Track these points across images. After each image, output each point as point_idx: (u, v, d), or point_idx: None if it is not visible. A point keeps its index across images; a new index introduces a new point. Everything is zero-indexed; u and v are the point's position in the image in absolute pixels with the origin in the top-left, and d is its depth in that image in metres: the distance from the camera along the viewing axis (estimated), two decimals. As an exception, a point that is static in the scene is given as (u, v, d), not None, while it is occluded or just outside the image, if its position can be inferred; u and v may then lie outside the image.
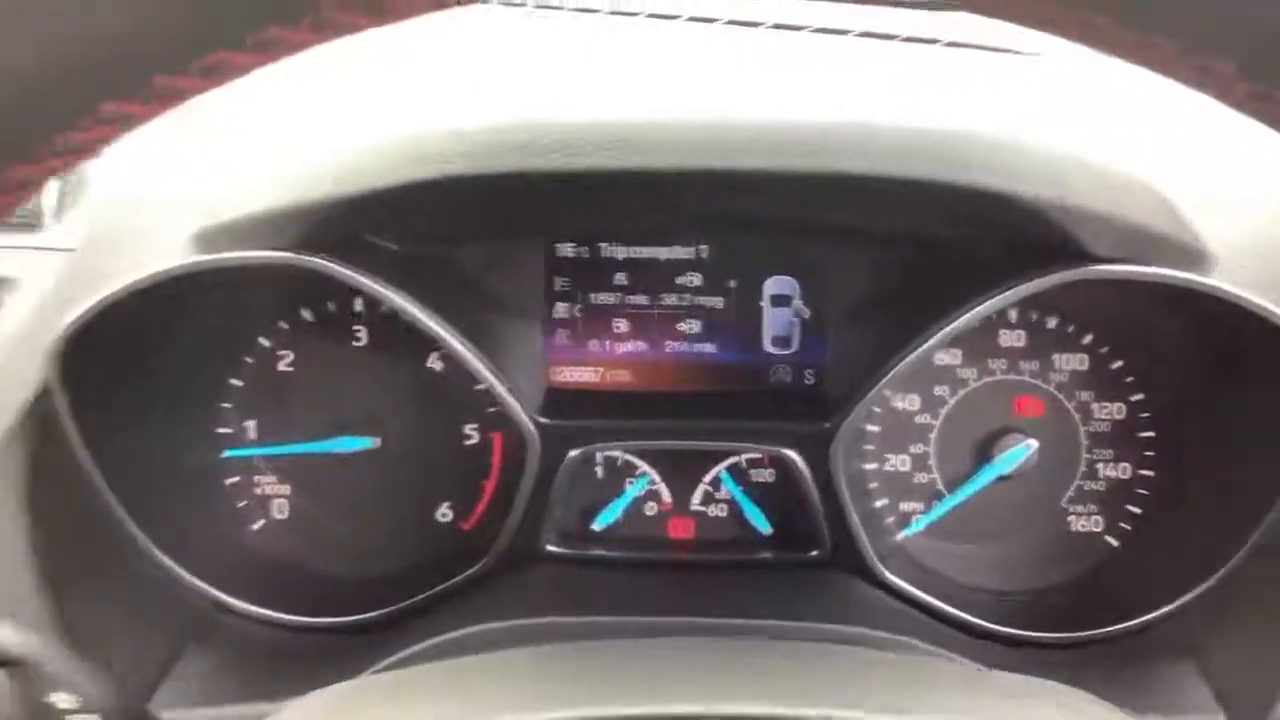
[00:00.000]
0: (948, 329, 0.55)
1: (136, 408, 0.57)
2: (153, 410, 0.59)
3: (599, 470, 0.64)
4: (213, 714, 0.52)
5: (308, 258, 0.52)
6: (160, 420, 0.59)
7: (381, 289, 0.54)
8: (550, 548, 0.63)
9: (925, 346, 0.56)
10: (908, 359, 0.56)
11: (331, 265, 0.53)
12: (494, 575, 0.62)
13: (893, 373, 0.57)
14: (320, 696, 0.38)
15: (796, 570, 0.63)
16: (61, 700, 0.38)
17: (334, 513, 0.65)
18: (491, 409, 0.64)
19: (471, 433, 0.65)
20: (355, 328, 0.64)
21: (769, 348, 0.63)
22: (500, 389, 0.58)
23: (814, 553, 0.62)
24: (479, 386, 0.63)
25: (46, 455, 0.52)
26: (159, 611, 0.57)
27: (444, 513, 0.66)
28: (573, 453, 0.61)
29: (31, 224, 0.57)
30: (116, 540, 0.56)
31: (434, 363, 0.65)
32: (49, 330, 0.52)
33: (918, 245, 0.60)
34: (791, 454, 0.60)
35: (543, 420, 0.60)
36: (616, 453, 0.64)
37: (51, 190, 0.58)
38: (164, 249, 0.56)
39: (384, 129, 0.52)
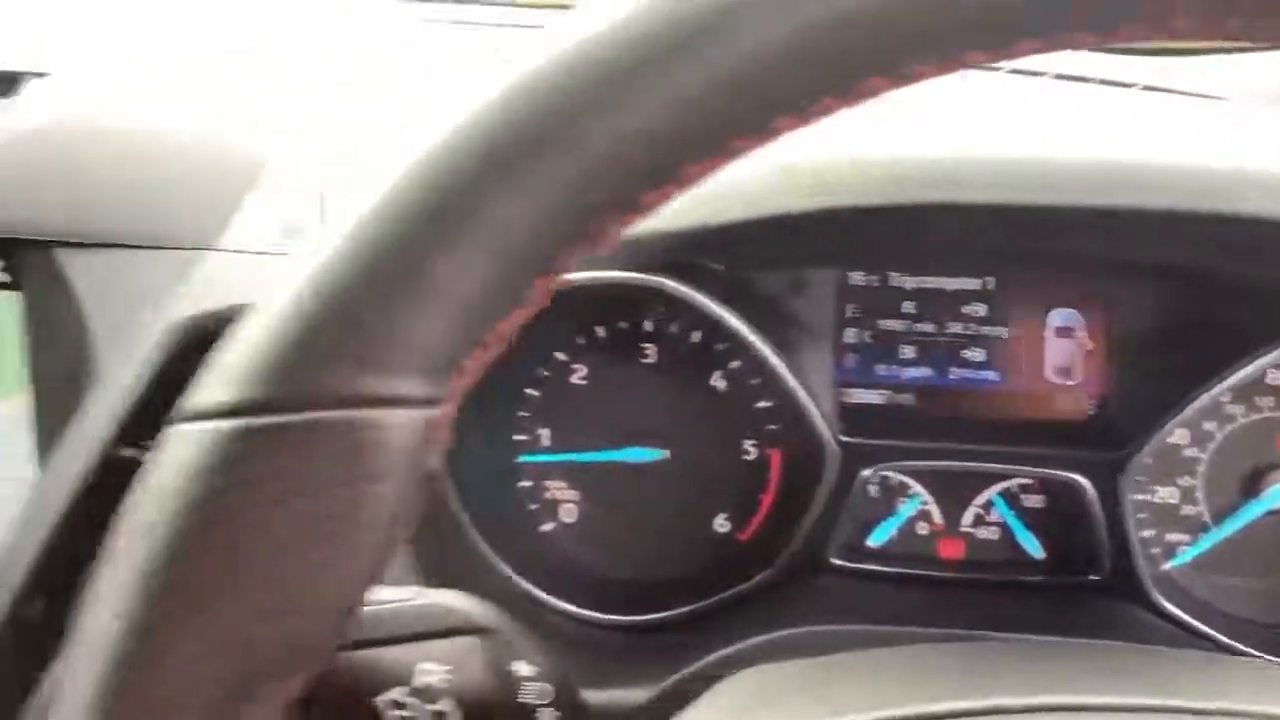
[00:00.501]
0: (1247, 369, 0.59)
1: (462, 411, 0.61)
2: (468, 414, 0.63)
3: (873, 489, 0.68)
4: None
5: (672, 282, 0.57)
6: (473, 423, 0.64)
7: (725, 314, 0.59)
8: (835, 560, 0.66)
9: (1223, 385, 0.59)
10: (1207, 394, 0.60)
11: (691, 292, 0.58)
12: (779, 584, 0.66)
13: (1191, 407, 0.60)
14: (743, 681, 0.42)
15: (1068, 593, 0.66)
16: (522, 668, 0.42)
17: (618, 518, 0.69)
18: (771, 426, 0.68)
19: (750, 449, 0.69)
20: (644, 345, 0.68)
21: (1051, 377, 0.67)
22: (810, 407, 0.62)
23: (1091, 577, 0.65)
24: (760, 404, 0.67)
25: None
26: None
27: (721, 523, 0.70)
28: (865, 470, 0.65)
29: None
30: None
31: (717, 381, 0.68)
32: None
33: (1202, 280, 0.64)
34: (1080, 479, 0.63)
35: (843, 438, 0.64)
36: (891, 472, 0.67)
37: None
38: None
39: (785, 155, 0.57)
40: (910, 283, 0.66)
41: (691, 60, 0.26)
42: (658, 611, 0.67)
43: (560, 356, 0.68)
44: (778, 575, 0.66)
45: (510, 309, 0.29)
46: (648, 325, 0.67)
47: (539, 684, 0.42)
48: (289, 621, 0.28)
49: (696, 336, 0.67)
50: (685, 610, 0.67)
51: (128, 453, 0.52)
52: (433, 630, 0.41)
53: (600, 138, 0.27)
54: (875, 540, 0.68)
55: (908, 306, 0.66)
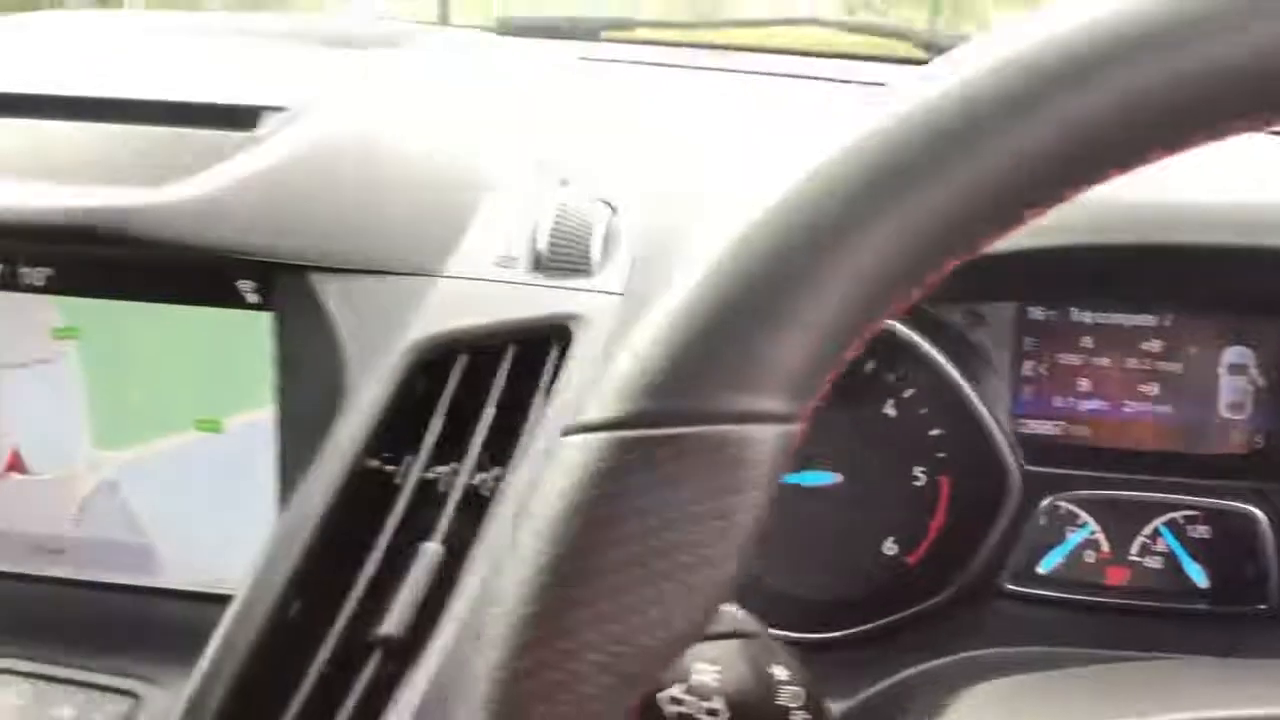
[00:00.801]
0: None
1: None
2: None
3: (1044, 517, 0.70)
4: None
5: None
6: None
7: (920, 342, 0.62)
8: (1008, 585, 0.69)
9: None
10: None
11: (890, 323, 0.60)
12: (952, 607, 0.69)
13: None
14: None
15: (1233, 621, 0.68)
16: (780, 672, 0.45)
17: (792, 538, 0.72)
18: (940, 454, 0.70)
19: (920, 475, 0.71)
20: None
21: (1223, 412, 0.69)
22: (998, 436, 0.65)
23: (1259, 606, 0.67)
24: (932, 432, 0.70)
25: None
26: None
27: (889, 547, 0.72)
28: (1044, 500, 0.67)
29: (584, 270, 0.65)
30: None
31: (889, 409, 0.71)
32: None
33: None
34: (1253, 510, 0.66)
35: (1026, 467, 0.66)
36: (1062, 502, 0.70)
37: (597, 240, 0.66)
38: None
39: None
40: (1089, 318, 0.69)
41: (1062, 100, 0.29)
42: (828, 630, 0.69)
43: None
44: (951, 599, 0.68)
45: (864, 331, 0.32)
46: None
47: (793, 688, 0.45)
48: (663, 614, 0.32)
49: (870, 365, 0.70)
50: (856, 630, 0.69)
51: (373, 464, 0.56)
52: (711, 633, 0.44)
53: (963, 168, 0.30)
54: (1044, 567, 0.70)
55: (1086, 341, 0.69)
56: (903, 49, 1.14)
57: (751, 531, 0.32)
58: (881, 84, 0.93)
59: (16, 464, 0.61)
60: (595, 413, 0.32)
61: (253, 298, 0.58)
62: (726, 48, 1.03)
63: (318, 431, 0.57)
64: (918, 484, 0.71)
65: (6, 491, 0.61)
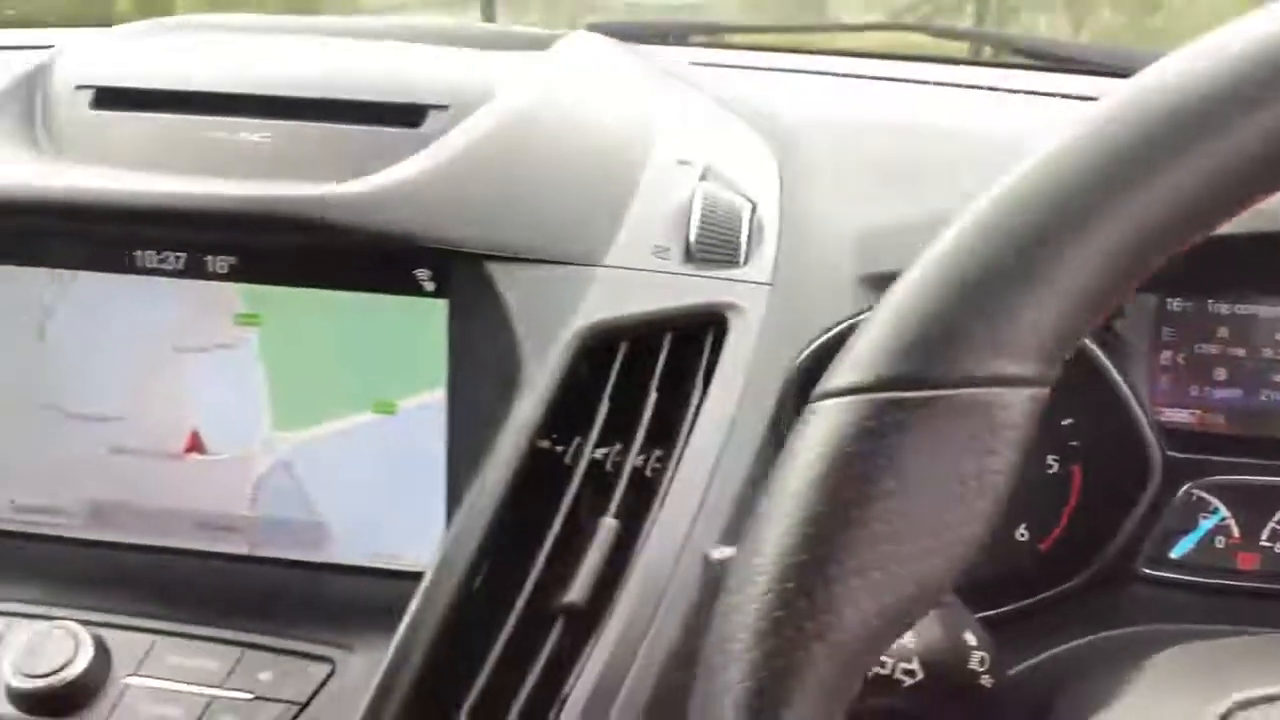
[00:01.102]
0: None
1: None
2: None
3: (1178, 504, 0.72)
4: None
5: None
6: None
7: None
8: (1144, 570, 0.70)
9: None
10: None
11: None
12: (1089, 590, 0.70)
13: None
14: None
15: None
16: (970, 638, 0.47)
17: None
18: (1073, 442, 0.72)
19: (1052, 463, 0.73)
20: None
21: (1359, 401, 0.70)
22: (1144, 424, 0.66)
23: None
24: (1065, 422, 0.71)
25: None
26: None
27: (1021, 533, 0.74)
28: (1180, 487, 0.69)
29: (733, 261, 0.67)
30: None
31: None
32: (778, 355, 0.62)
33: None
34: None
35: (1168, 454, 0.68)
36: (1196, 489, 0.71)
37: (744, 232, 0.68)
38: (836, 289, 0.66)
39: None
40: (1225, 309, 0.70)
41: None
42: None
43: None
44: (1086, 583, 0.70)
45: (1114, 298, 0.34)
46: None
47: (981, 653, 0.47)
48: (920, 566, 0.34)
49: None
50: (991, 614, 0.71)
51: (544, 444, 0.58)
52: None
53: (1218, 143, 0.32)
54: (1176, 553, 0.72)
55: (1222, 331, 0.70)
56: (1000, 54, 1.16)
57: (1002, 493, 0.34)
58: (990, 88, 0.94)
59: (196, 445, 0.64)
60: (851, 377, 0.34)
61: (429, 285, 0.60)
62: (818, 51, 1.05)
63: (487, 413, 0.60)
64: (1050, 471, 0.72)
65: (185, 471, 0.64)
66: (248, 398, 0.63)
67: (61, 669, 0.54)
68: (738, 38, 1.22)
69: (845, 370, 0.35)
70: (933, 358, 0.34)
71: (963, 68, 1.01)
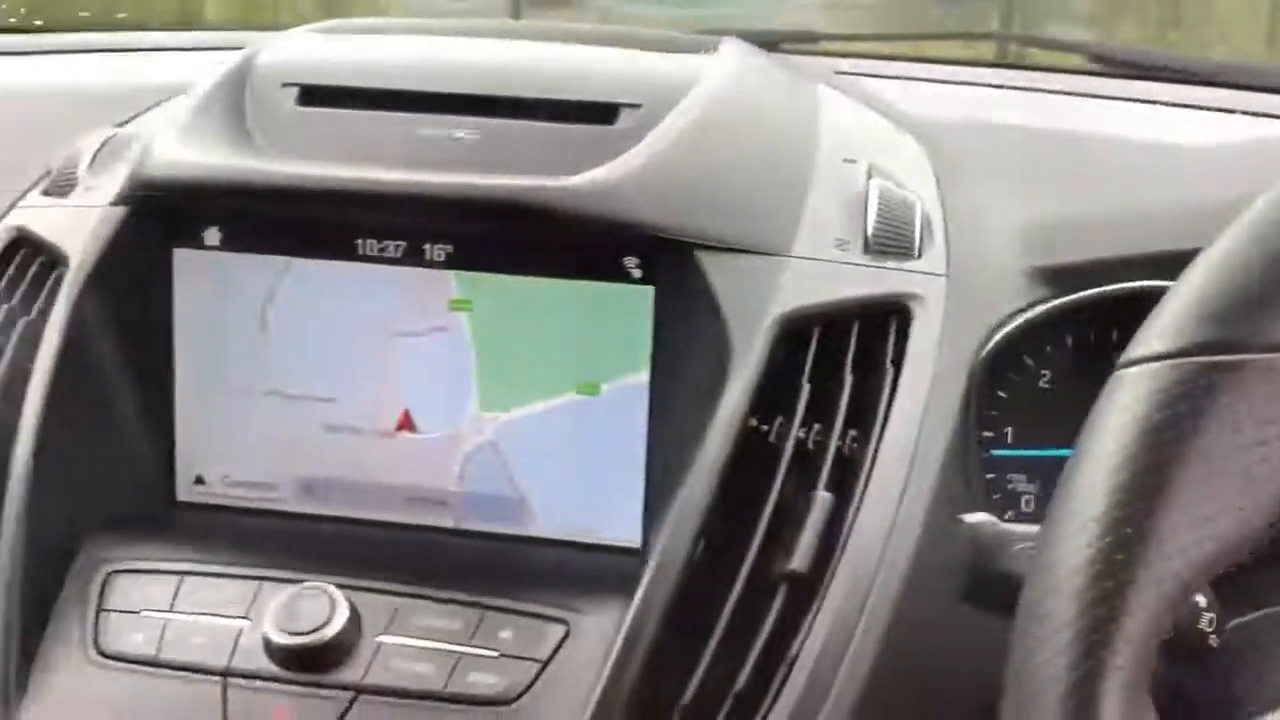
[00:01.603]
0: None
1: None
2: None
3: None
4: None
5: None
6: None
7: None
8: None
9: None
10: None
11: None
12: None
13: None
14: None
15: None
16: (1200, 599, 0.50)
17: None
18: None
19: None
20: (1111, 354, 0.76)
21: None
22: None
23: None
24: None
25: None
26: None
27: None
28: None
29: (909, 253, 0.70)
30: None
31: None
32: (960, 343, 0.66)
33: None
34: None
35: None
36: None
37: (916, 222, 0.71)
38: (1007, 281, 0.70)
39: None
40: None
41: None
42: None
43: (1029, 362, 0.76)
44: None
45: None
46: (1115, 336, 0.75)
47: (1210, 614, 0.51)
48: (1226, 524, 0.37)
49: (1115, 335, 0.74)
50: None
51: (752, 423, 0.62)
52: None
53: None
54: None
55: None
56: (1075, 61, 1.19)
57: None
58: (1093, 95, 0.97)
59: (407, 423, 0.68)
60: (1159, 345, 0.38)
61: (636, 273, 0.64)
62: (912, 59, 1.08)
63: (693, 394, 0.64)
64: None
65: (396, 448, 0.68)
66: (458, 379, 0.67)
67: (321, 627, 0.58)
68: (833, 45, 1.25)
69: (1153, 338, 0.38)
70: (1240, 324, 0.37)
71: (1050, 75, 1.04)
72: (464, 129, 0.68)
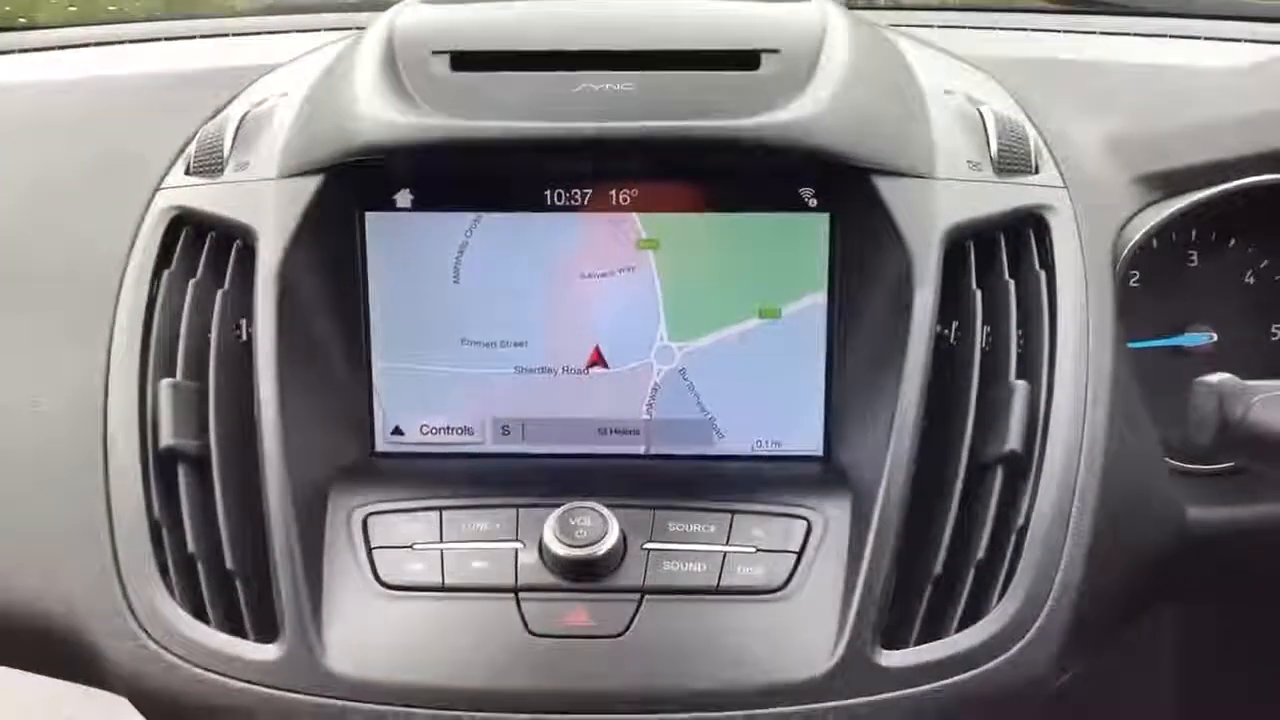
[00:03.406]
0: None
1: None
2: None
3: None
4: None
5: None
6: None
7: None
8: None
9: None
10: None
11: None
12: None
13: None
14: None
15: None
16: None
17: (1167, 401, 0.84)
18: None
19: (1275, 331, 0.86)
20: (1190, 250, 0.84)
21: None
22: None
23: None
24: None
25: None
26: None
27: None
28: None
29: (1029, 169, 0.77)
30: None
31: (1249, 278, 0.84)
32: (1096, 245, 0.73)
33: None
34: None
35: None
36: None
37: (1030, 141, 0.78)
38: (1117, 189, 0.78)
39: None
40: None
41: None
42: (1203, 464, 0.82)
43: (1161, 258, 0.81)
44: None
45: None
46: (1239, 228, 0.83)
47: None
48: None
49: (1232, 242, 0.83)
50: (1202, 468, 0.82)
51: (937, 328, 0.69)
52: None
53: None
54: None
55: None
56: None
57: None
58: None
59: (598, 360, 0.73)
60: None
61: (812, 202, 0.70)
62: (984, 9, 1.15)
63: (872, 311, 0.70)
64: (1274, 339, 0.85)
65: (587, 384, 0.73)
66: (646, 314, 0.72)
67: (599, 539, 0.63)
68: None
69: None
70: None
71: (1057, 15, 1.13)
72: (621, 82, 0.72)
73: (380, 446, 0.73)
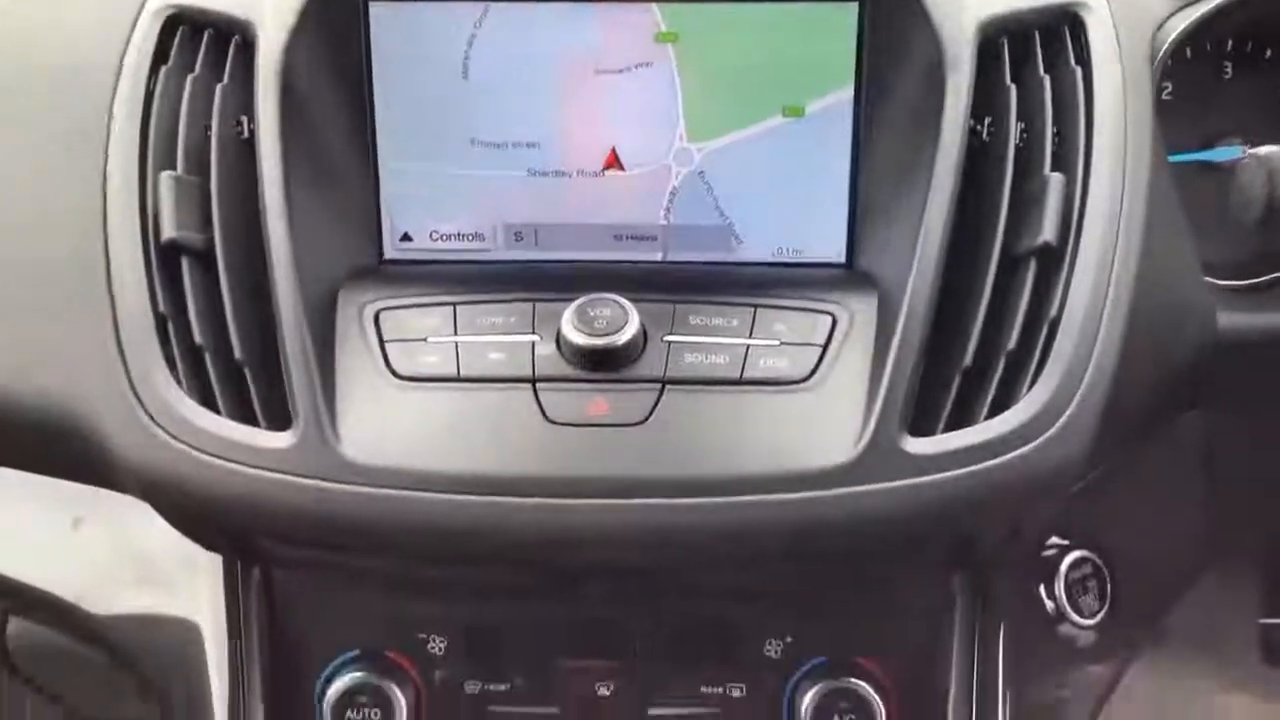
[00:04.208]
0: None
1: None
2: None
3: None
4: None
5: None
6: None
7: None
8: None
9: None
10: None
11: None
12: None
13: None
14: None
15: None
16: None
17: (1205, 210, 0.82)
18: None
19: None
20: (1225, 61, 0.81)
21: None
22: None
23: None
24: None
25: None
26: None
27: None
28: None
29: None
30: None
31: None
32: (1132, 41, 0.70)
33: None
34: None
35: None
36: None
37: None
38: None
39: None
40: None
41: None
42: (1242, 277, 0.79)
43: (1199, 64, 0.78)
44: None
45: None
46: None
47: None
48: None
49: (1269, 53, 0.80)
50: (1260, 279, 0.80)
51: (970, 123, 0.66)
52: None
53: None
54: None
55: None
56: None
57: None
58: None
59: (614, 162, 0.70)
60: None
61: None
62: None
63: (901, 105, 0.67)
64: None
65: (603, 187, 0.70)
66: (664, 112, 0.69)
67: (619, 329, 0.61)
68: None
69: None
70: None
71: None
72: None
73: (389, 253, 0.71)
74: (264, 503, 0.59)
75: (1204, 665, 0.85)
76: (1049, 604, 0.72)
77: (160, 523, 0.68)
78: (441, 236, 0.72)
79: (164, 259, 0.64)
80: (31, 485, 0.74)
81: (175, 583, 0.71)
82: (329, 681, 0.69)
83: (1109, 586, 0.72)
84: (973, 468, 0.59)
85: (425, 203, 0.71)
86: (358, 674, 0.69)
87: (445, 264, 0.71)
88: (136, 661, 0.73)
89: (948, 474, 0.58)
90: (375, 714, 0.68)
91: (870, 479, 0.58)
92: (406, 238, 0.71)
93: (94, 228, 0.65)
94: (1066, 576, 0.71)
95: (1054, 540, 0.73)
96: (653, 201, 0.71)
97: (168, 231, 0.64)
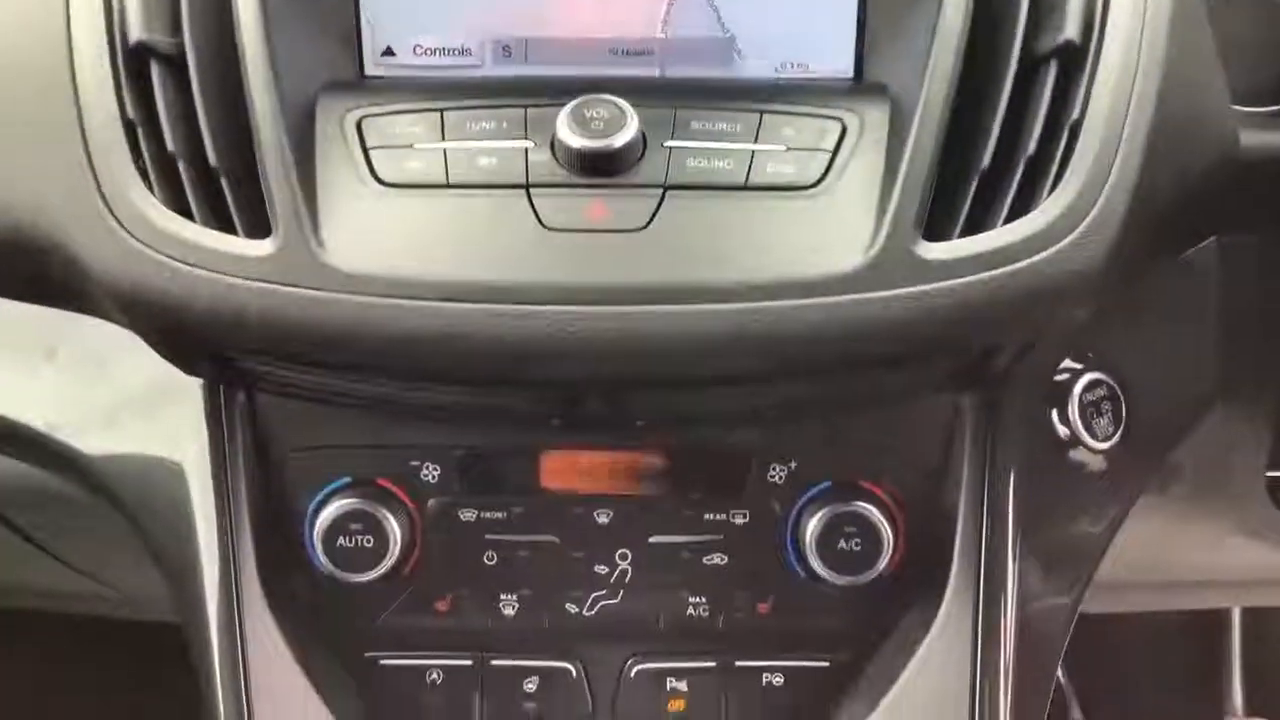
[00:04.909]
0: None
1: None
2: None
3: None
4: None
5: None
6: None
7: None
8: None
9: None
10: None
11: None
12: None
13: None
14: None
15: None
16: None
17: None
18: None
19: None
20: None
21: None
22: None
23: None
24: None
25: None
26: None
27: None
28: None
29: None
30: None
31: None
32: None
33: None
34: None
35: None
36: None
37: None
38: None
39: None
40: None
41: None
42: None
43: None
44: None
45: None
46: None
47: None
48: None
49: None
50: None
51: None
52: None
53: None
54: None
55: None
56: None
57: None
58: None
59: (608, -32, 0.66)
60: None
61: None
62: None
63: None
64: None
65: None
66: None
67: (618, 131, 0.57)
68: None
69: None
70: None
71: None
72: None
73: (370, 70, 0.67)
74: (245, 312, 0.56)
75: (1213, 506, 0.83)
76: (1061, 429, 0.70)
77: (139, 355, 0.65)
78: (426, 51, 0.68)
79: (132, 63, 0.60)
80: (3, 323, 0.71)
81: (156, 414, 0.69)
82: (319, 509, 0.67)
83: (1123, 410, 0.70)
84: (989, 273, 0.56)
85: (407, 13, 0.67)
86: (349, 500, 0.66)
87: (431, 79, 0.67)
88: (115, 493, 0.71)
89: (963, 279, 0.56)
90: (368, 541, 0.66)
91: (882, 285, 0.55)
92: (389, 52, 0.67)
93: (57, 31, 0.60)
94: (1081, 399, 0.69)
95: (1067, 364, 0.70)
96: (650, 14, 0.67)
97: (135, 33, 0.60)
